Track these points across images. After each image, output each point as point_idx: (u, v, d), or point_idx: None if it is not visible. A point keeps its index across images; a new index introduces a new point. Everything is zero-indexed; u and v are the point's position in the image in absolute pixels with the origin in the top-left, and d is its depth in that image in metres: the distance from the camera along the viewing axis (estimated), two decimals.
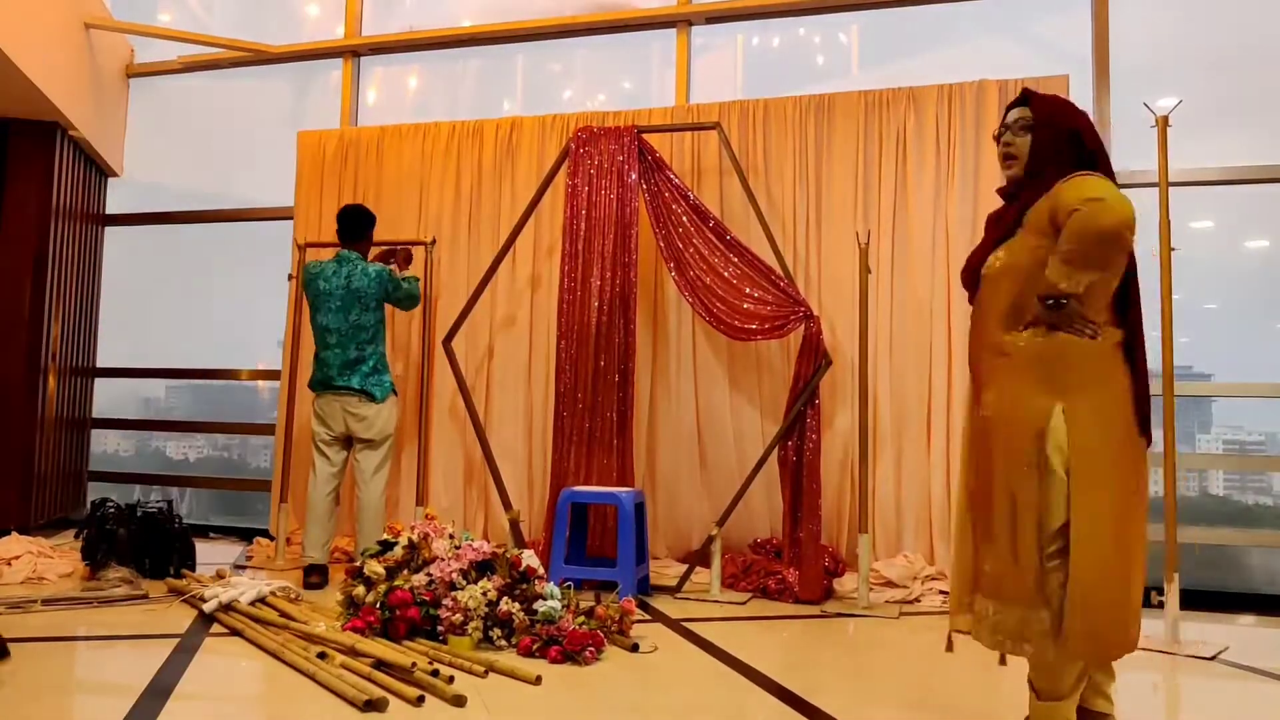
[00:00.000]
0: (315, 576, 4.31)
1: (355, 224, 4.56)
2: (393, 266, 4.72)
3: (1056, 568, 2.09)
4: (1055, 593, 2.09)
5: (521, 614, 3.16)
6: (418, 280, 4.71)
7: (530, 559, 3.34)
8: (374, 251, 4.78)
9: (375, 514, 4.44)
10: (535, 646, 3.07)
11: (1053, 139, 2.24)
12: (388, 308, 4.66)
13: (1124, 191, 2.07)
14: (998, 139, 2.35)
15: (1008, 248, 2.24)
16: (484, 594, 3.18)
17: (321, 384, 4.48)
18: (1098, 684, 2.27)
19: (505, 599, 3.19)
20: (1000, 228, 2.30)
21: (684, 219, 4.59)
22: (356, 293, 4.40)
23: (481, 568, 3.35)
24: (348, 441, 4.52)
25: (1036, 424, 2.12)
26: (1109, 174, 2.21)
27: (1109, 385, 2.14)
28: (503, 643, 3.16)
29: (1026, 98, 2.32)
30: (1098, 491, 2.08)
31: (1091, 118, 2.34)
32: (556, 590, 3.27)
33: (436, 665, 2.75)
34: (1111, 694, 2.28)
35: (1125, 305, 2.18)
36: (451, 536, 3.51)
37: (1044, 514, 2.10)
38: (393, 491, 5.30)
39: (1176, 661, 3.24)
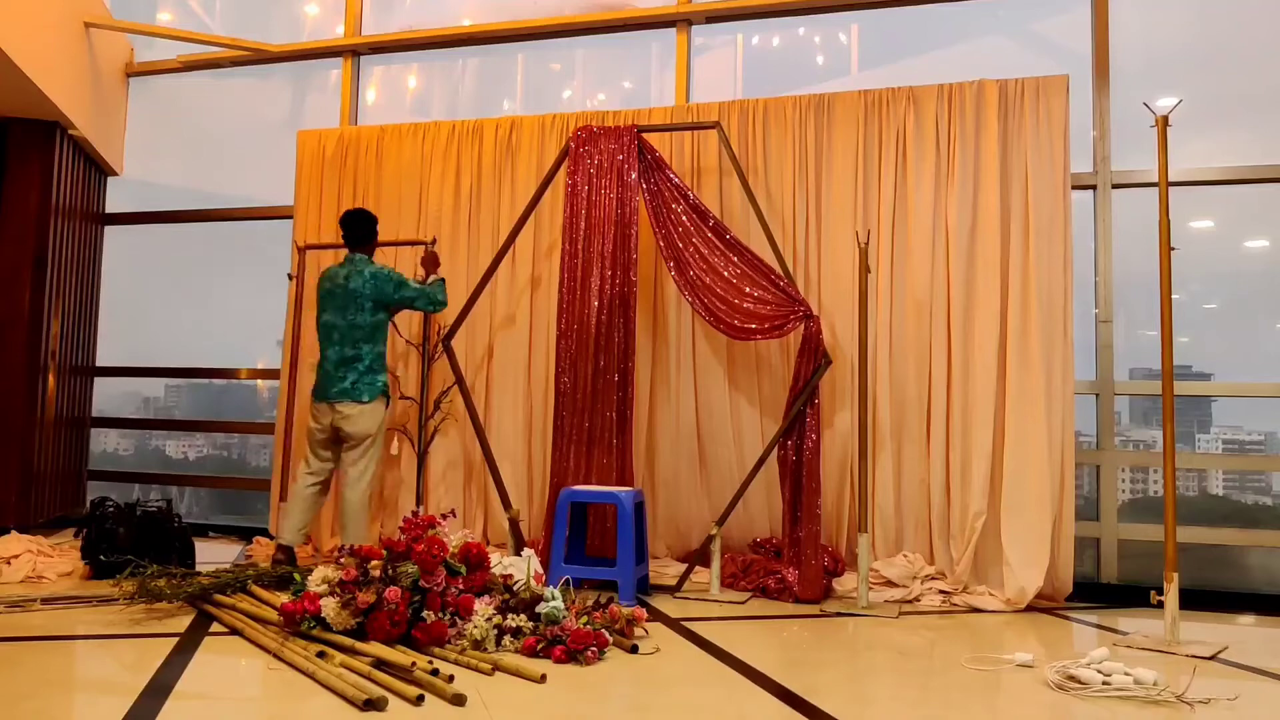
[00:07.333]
0: (281, 555, 4.51)
1: (356, 227, 4.65)
2: (423, 275, 4.81)
3: None
4: None
5: (527, 623, 3.17)
6: (443, 282, 4.70)
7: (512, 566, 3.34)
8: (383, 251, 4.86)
9: (356, 514, 4.50)
10: (540, 646, 3.08)
11: None
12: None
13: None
14: None
15: None
16: (488, 620, 3.17)
17: (318, 390, 4.58)
18: None
19: (510, 615, 3.20)
20: None
21: (684, 218, 4.59)
22: (353, 294, 4.48)
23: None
24: (337, 440, 4.56)
25: None
26: None
27: None
28: (508, 640, 3.16)
29: None
30: None
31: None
32: (556, 591, 3.28)
33: (436, 665, 2.75)
34: None
35: None
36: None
37: None
38: (393, 491, 5.31)
39: (1176, 661, 3.24)
